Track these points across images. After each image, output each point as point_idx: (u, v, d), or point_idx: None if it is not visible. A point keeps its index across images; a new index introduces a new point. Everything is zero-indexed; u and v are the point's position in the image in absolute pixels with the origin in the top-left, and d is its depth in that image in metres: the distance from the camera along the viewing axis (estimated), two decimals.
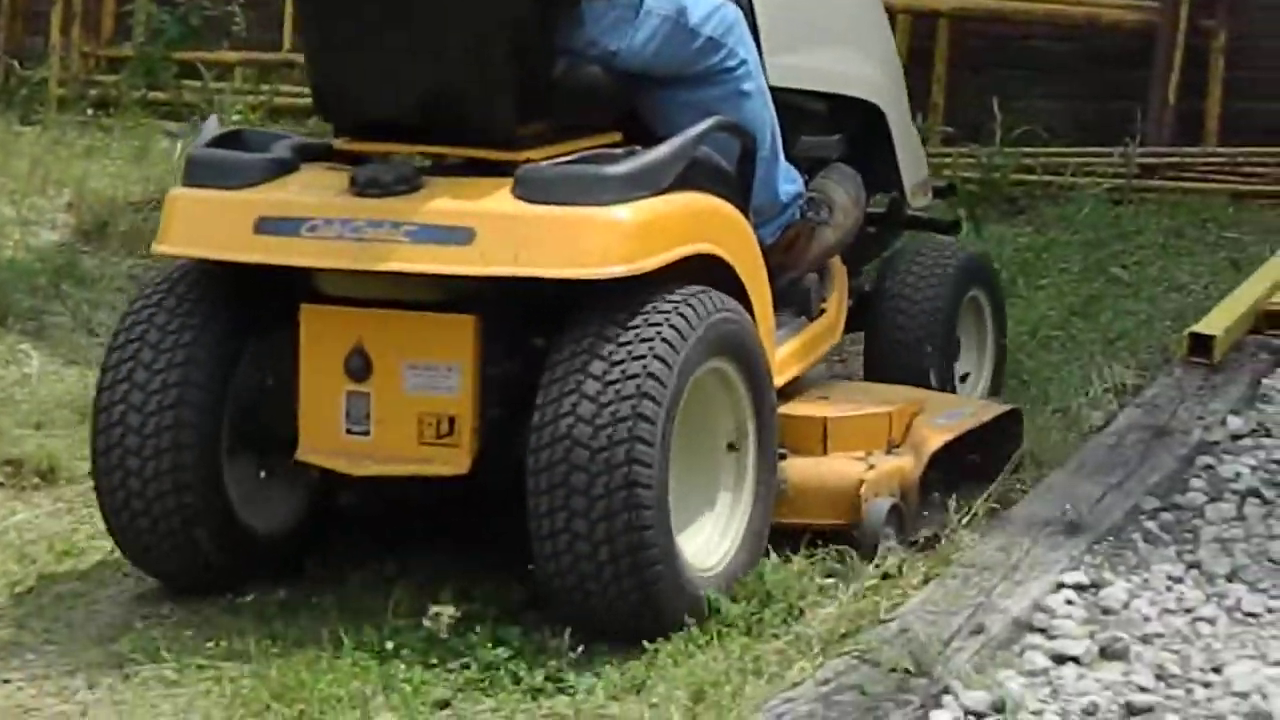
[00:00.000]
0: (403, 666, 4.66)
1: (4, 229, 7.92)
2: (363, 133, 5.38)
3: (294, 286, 5.14)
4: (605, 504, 4.75)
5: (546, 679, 4.64)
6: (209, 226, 5.17)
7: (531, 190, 5.00)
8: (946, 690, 4.41)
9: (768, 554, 5.13)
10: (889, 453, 5.50)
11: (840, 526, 5.26)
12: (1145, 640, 4.74)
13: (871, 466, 5.39)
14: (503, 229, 4.96)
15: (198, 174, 5.23)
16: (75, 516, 5.58)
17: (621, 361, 4.83)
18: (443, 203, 5.05)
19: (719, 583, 4.96)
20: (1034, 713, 4.40)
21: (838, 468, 5.39)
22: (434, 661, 4.70)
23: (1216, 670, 4.61)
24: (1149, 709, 4.42)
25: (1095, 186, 8.39)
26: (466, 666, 4.67)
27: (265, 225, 5.08)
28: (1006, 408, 5.94)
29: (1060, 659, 4.64)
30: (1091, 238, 7.82)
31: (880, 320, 6.19)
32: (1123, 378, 6.40)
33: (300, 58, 9.62)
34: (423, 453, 5.05)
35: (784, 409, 5.35)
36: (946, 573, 4.96)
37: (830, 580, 5.00)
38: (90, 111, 9.67)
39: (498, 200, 5.03)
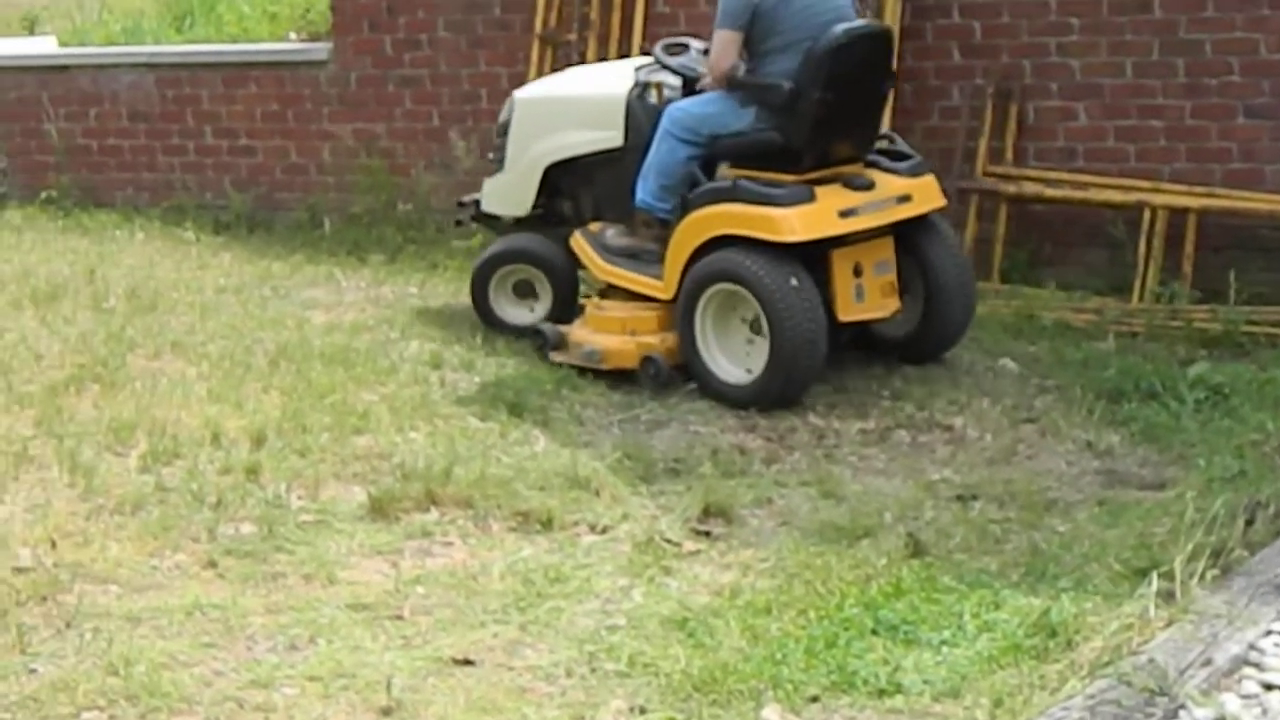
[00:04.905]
0: (785, 670, 4.62)
1: (532, 358, 7.93)
2: (811, 168, 7.27)
3: (821, 242, 7.16)
4: (965, 290, 7.54)
5: (888, 683, 4.55)
6: (814, 221, 7.08)
7: (910, 172, 7.47)
8: (1183, 707, 4.24)
9: (1058, 597, 5.00)
10: None
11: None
12: None
13: None
14: (919, 191, 7.44)
15: (781, 201, 7.09)
16: (563, 553, 5.56)
17: (955, 241, 7.64)
18: (894, 186, 7.36)
19: None
20: None
21: None
22: (808, 666, 4.65)
23: None
24: None
25: None
26: (831, 672, 4.61)
27: (844, 213, 7.16)
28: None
29: (1269, 687, 4.42)
30: None
31: None
32: None
33: None
34: (884, 303, 7.40)
35: None
36: (1184, 619, 4.74)
37: (1096, 618, 4.84)
38: None
39: (904, 180, 7.43)
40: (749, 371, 7.17)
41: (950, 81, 9.15)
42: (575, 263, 8.04)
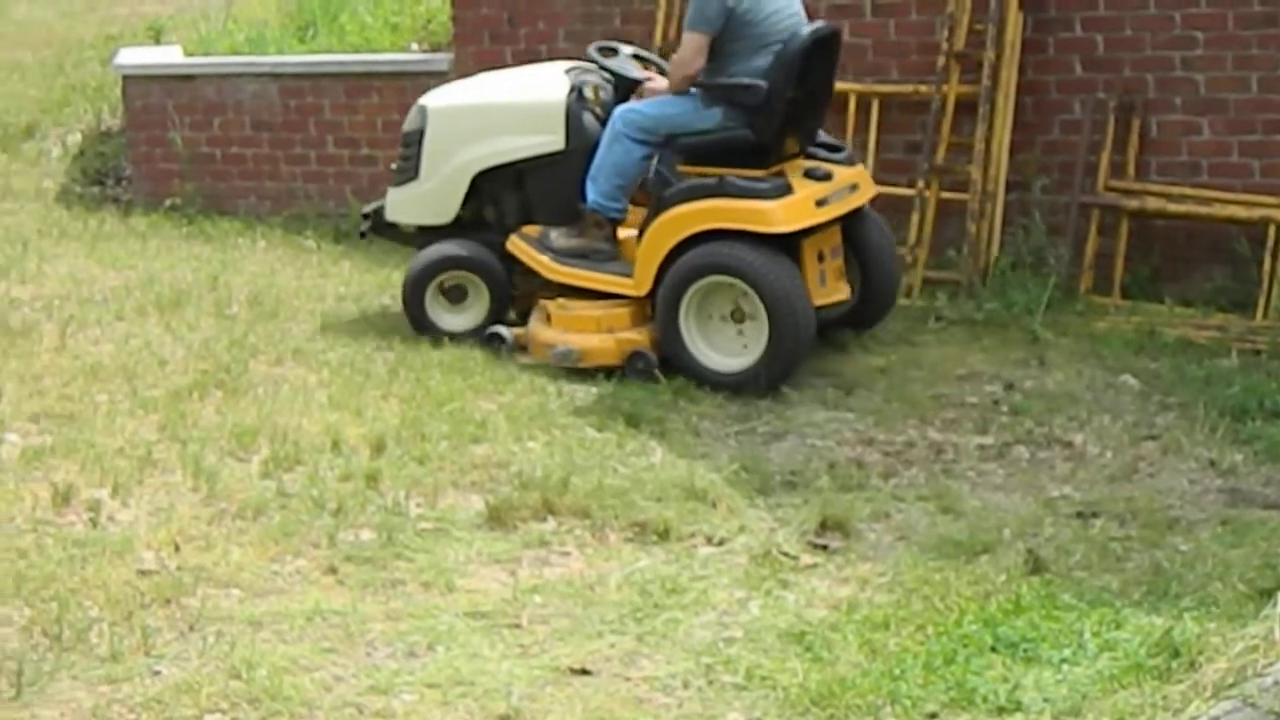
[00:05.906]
0: (903, 685, 4.60)
1: None
2: (775, 162, 7.63)
3: (796, 231, 7.45)
4: (893, 267, 8.13)
5: (1008, 700, 4.52)
6: (797, 211, 7.42)
7: (848, 163, 7.84)
8: None
9: (1181, 616, 4.94)
10: None
11: None
12: None
13: None
14: (861, 180, 7.92)
15: (768, 194, 7.39)
16: (680, 565, 5.57)
17: (881, 222, 8.08)
18: (846, 176, 7.76)
19: None
20: None
21: None
22: (926, 682, 4.63)
23: None
24: None
25: None
26: (950, 689, 4.58)
27: (819, 203, 7.51)
28: None
29: None
30: None
31: None
32: None
33: None
34: (840, 287, 7.79)
35: None
36: None
37: (1220, 639, 4.77)
38: None
39: (848, 170, 7.80)
40: (737, 359, 7.48)
41: (1071, 95, 9.07)
42: (509, 266, 8.11)
